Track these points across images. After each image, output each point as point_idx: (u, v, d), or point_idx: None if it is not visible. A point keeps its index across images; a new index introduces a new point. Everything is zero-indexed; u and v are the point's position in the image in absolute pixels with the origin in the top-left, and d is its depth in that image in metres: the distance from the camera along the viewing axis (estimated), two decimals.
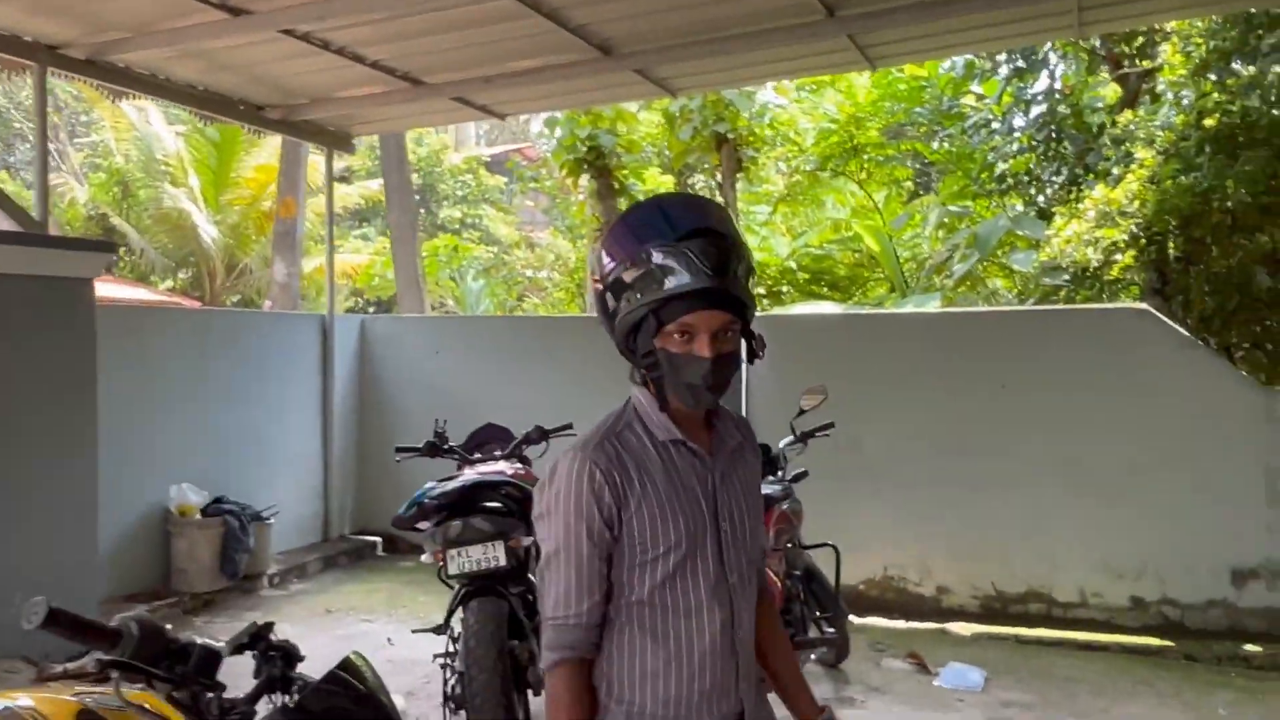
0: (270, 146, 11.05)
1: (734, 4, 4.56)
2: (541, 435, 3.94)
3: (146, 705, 1.32)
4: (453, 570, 3.32)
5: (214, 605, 5.68)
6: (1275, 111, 6.18)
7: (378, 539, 7.04)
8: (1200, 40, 6.75)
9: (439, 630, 3.41)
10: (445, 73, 5.66)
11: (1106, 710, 3.97)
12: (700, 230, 1.17)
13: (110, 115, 12.62)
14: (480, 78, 5.62)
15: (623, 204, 9.62)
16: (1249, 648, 4.54)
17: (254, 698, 1.33)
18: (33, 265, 4.35)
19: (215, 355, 6.15)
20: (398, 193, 9.99)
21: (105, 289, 8.95)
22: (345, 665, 1.47)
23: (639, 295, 1.17)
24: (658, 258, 1.15)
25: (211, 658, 1.31)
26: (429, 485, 3.53)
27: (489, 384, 6.43)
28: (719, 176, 10.37)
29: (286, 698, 1.36)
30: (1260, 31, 6.15)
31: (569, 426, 3.95)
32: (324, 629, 5.10)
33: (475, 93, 5.95)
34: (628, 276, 1.19)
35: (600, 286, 1.25)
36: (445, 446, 3.85)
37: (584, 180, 9.96)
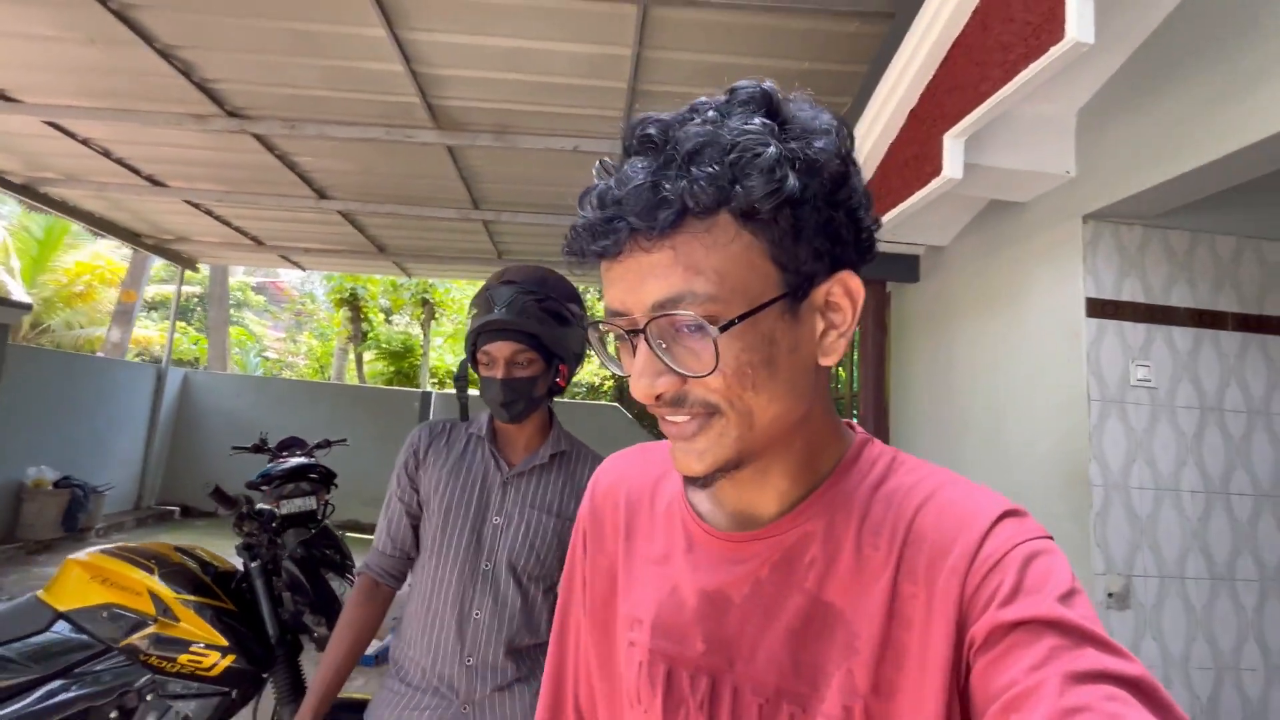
0: (88, 249, 13.40)
1: (450, 245, 7.15)
2: (326, 443, 4.96)
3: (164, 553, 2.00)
4: (283, 511, 4.30)
5: (51, 548, 6.67)
6: None
7: (177, 507, 8.90)
8: None
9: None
10: (279, 240, 7.34)
11: None
12: (509, 283, 1.39)
13: None
14: (301, 248, 7.56)
15: (365, 326, 14.70)
16: None
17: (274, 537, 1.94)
18: None
19: (77, 385, 7.70)
20: (218, 296, 13.80)
21: None
22: (325, 529, 2.03)
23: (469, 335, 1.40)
24: (478, 305, 1.40)
25: (269, 513, 1.89)
26: (270, 464, 4.52)
27: (271, 416, 8.93)
28: (420, 319, 15.83)
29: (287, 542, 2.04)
30: None
31: (344, 440, 5.11)
32: None
33: (294, 254, 7.78)
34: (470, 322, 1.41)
35: None
36: (266, 447, 4.81)
37: (344, 310, 15.16)
